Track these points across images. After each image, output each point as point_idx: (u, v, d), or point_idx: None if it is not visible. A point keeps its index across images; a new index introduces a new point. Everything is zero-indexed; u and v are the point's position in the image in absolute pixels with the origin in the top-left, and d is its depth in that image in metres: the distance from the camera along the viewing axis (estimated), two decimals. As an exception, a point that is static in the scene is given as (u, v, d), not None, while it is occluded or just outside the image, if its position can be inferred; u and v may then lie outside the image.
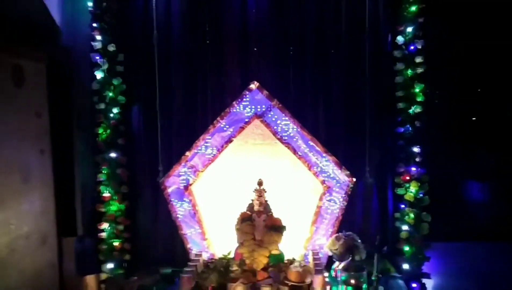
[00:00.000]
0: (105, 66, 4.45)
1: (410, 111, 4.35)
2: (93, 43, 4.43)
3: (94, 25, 4.45)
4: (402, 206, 4.44)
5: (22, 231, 3.17)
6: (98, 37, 4.44)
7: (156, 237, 4.79)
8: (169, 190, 4.50)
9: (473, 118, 4.83)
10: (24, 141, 3.21)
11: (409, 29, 4.29)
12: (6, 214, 2.97)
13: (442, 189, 4.50)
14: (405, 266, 4.34)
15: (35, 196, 3.34)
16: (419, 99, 4.34)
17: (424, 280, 4.35)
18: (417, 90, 4.33)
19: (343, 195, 4.40)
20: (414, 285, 4.27)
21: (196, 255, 4.37)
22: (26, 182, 3.22)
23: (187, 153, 4.46)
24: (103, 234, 4.48)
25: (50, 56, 3.51)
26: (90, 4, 4.46)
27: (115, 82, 4.49)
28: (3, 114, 2.97)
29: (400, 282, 4.24)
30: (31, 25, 3.30)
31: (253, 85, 4.43)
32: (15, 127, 3.11)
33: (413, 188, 4.34)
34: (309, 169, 4.41)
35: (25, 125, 3.23)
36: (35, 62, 3.35)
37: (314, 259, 4.13)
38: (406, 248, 4.35)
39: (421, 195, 4.34)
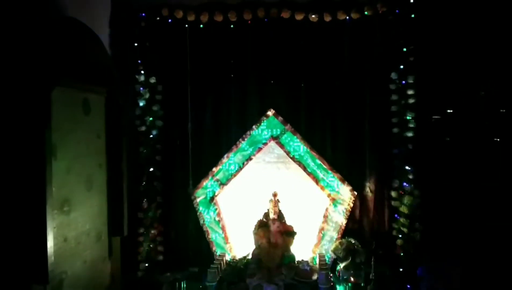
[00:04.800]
0: (147, 96, 5.08)
1: (404, 135, 4.85)
2: (137, 76, 5.08)
3: (139, 61, 5.09)
4: (397, 217, 4.88)
5: (85, 228, 3.86)
6: (142, 71, 5.08)
7: (186, 241, 5.24)
8: (198, 200, 5.12)
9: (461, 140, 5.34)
10: (88, 157, 3.93)
11: (402, 66, 4.82)
12: (75, 214, 3.69)
13: (432, 202, 4.98)
14: (400, 269, 4.80)
15: (94, 201, 4.05)
16: (411, 125, 4.83)
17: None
18: (409, 117, 4.83)
19: (346, 207, 5.00)
20: (408, 286, 4.76)
21: (220, 255, 4.94)
22: (89, 190, 3.94)
23: (214, 169, 5.11)
24: (141, 238, 5.09)
25: (107, 89, 4.32)
26: (135, 43, 5.08)
27: (154, 108, 5.09)
28: (76, 136, 3.72)
29: (395, 283, 4.71)
30: (95, 66, 4.10)
31: (270, 112, 5.10)
32: (83, 146, 3.83)
33: (406, 201, 4.80)
34: (317, 184, 5.01)
35: (89, 145, 3.94)
36: (97, 95, 4.12)
37: (320, 260, 4.69)
38: (401, 253, 4.83)
39: (413, 207, 4.80)
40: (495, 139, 5.36)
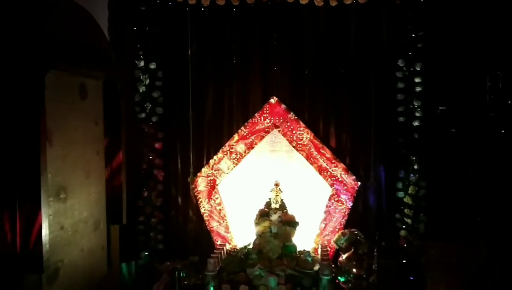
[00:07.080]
0: (147, 82, 5.00)
1: (410, 124, 4.77)
2: (137, 62, 4.99)
3: (138, 46, 5.00)
4: (402, 207, 4.82)
5: (82, 216, 3.79)
6: (141, 56, 5.00)
7: (186, 229, 5.20)
8: (198, 189, 5.07)
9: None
10: (86, 144, 3.84)
11: (409, 53, 4.73)
12: (72, 201, 3.62)
13: (438, 193, 4.90)
14: (404, 261, 4.73)
15: (92, 188, 3.97)
16: (417, 114, 4.75)
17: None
18: (415, 105, 4.75)
19: (349, 197, 4.93)
20: (411, 277, 4.71)
21: (220, 245, 4.88)
22: (87, 177, 3.87)
23: (215, 157, 5.05)
24: (141, 226, 5.05)
25: (105, 75, 4.22)
26: (134, 28, 4.99)
27: (154, 95, 5.02)
28: (72, 122, 3.62)
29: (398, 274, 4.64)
30: (93, 50, 3.98)
31: (273, 100, 5.01)
32: (80, 132, 3.74)
33: (411, 192, 4.75)
34: (320, 174, 4.94)
35: (87, 131, 3.84)
36: (95, 80, 4.02)
37: (322, 251, 4.60)
38: (405, 245, 4.78)
39: (418, 198, 4.75)
40: (501, 130, 5.24)
